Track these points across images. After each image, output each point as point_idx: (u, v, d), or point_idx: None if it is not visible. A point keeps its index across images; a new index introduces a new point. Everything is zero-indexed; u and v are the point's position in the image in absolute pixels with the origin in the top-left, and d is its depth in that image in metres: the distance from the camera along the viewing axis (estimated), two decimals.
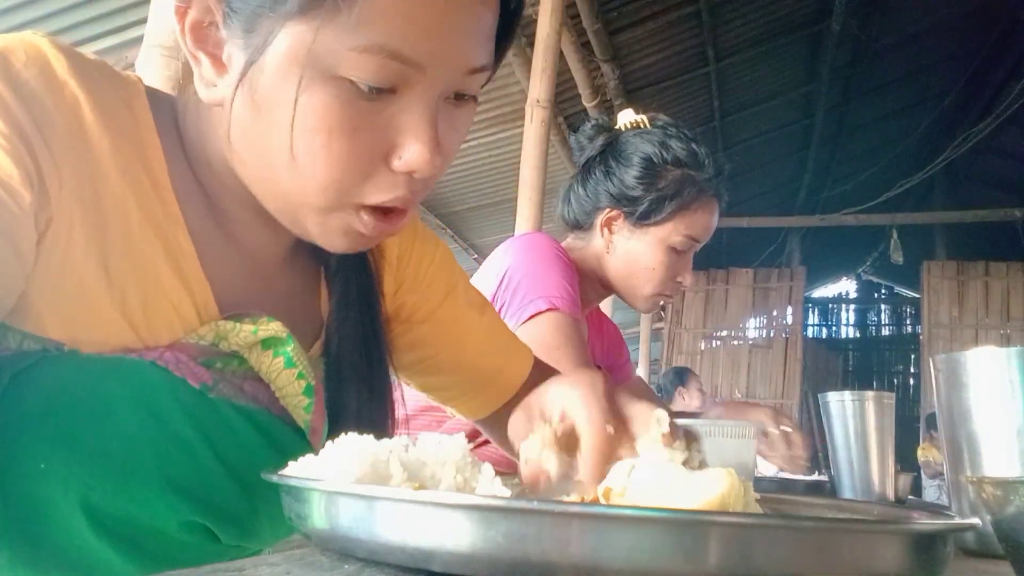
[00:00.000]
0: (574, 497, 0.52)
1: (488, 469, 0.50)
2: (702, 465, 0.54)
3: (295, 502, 0.45)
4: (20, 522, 0.51)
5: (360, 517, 0.40)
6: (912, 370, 13.30)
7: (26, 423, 0.51)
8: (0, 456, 0.50)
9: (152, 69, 1.50)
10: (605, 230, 1.38)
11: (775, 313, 8.69)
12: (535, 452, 0.54)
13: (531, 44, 3.36)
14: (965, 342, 7.67)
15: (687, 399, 5.08)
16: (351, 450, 0.46)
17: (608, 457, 0.52)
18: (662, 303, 1.45)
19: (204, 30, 0.54)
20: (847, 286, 15.38)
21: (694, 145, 1.34)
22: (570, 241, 1.45)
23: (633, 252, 1.36)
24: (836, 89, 7.39)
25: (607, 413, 0.54)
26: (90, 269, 0.53)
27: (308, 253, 0.71)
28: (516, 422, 0.62)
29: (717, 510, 0.41)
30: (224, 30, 0.53)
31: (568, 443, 0.55)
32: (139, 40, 1.62)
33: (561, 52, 3.62)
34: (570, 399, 0.56)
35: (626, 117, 1.41)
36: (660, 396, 4.22)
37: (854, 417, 1.14)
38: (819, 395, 1.22)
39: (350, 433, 0.49)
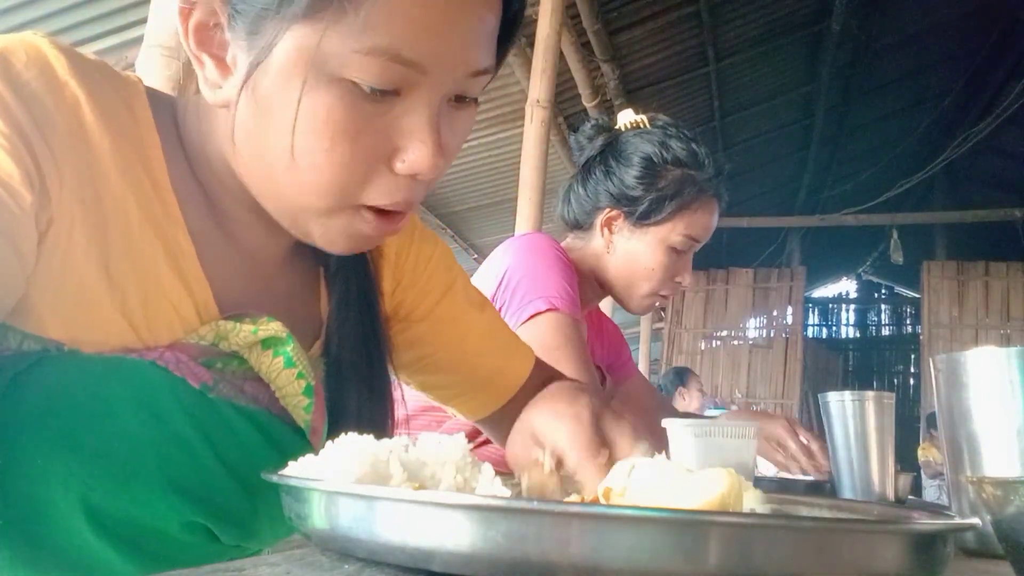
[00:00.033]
0: (574, 497, 0.52)
1: (488, 469, 0.50)
2: None
3: (295, 502, 0.45)
4: (20, 522, 0.51)
5: (360, 517, 0.40)
6: (912, 370, 13.31)
7: (26, 423, 0.51)
8: (0, 456, 0.50)
9: (152, 69, 1.50)
10: (605, 230, 1.38)
11: (775, 313, 8.69)
12: (536, 492, 0.55)
13: (531, 44, 3.36)
14: (965, 342, 7.67)
15: (687, 399, 5.08)
16: (351, 450, 0.46)
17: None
18: (658, 304, 1.45)
19: (208, 32, 0.54)
20: (847, 286, 15.39)
21: (694, 145, 1.34)
22: (569, 241, 1.45)
23: (633, 252, 1.36)
24: (836, 89, 7.39)
25: (595, 445, 0.55)
26: (90, 269, 0.53)
27: (308, 253, 0.71)
28: (513, 445, 0.63)
29: (717, 510, 0.41)
30: (228, 32, 0.53)
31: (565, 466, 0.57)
32: (139, 40, 1.62)
33: (561, 52, 3.62)
34: (558, 434, 0.57)
35: (626, 117, 1.41)
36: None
37: (854, 417, 1.14)
38: (819, 395, 1.22)
39: (350, 433, 0.49)
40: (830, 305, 15.31)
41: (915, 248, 8.11)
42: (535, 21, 3.12)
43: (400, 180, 0.56)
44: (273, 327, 0.60)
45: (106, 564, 0.54)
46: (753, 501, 0.50)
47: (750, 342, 8.74)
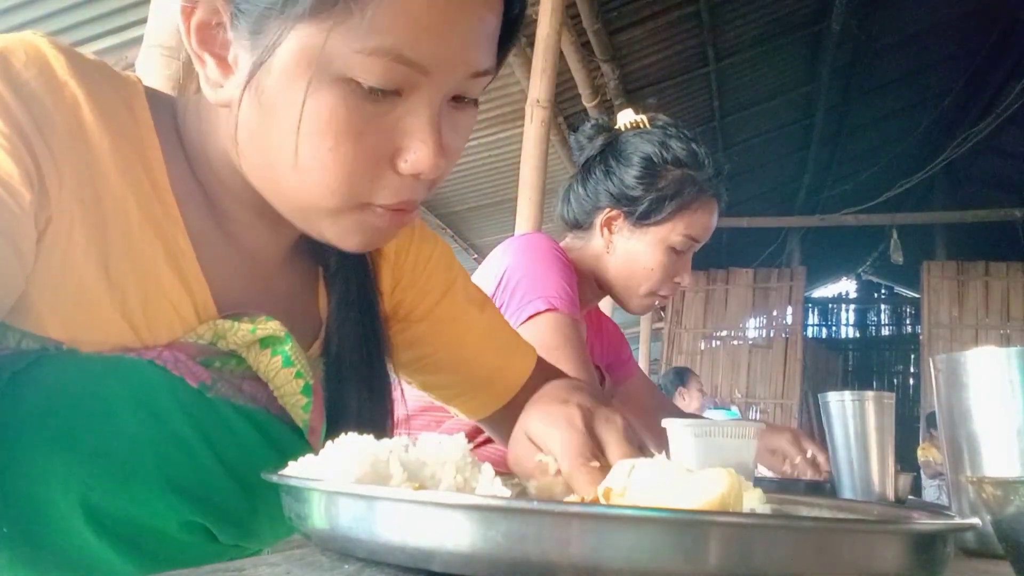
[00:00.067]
0: (574, 497, 0.52)
1: (488, 469, 0.50)
2: None
3: (295, 502, 0.45)
4: (20, 522, 0.51)
5: (360, 517, 0.40)
6: (912, 370, 13.31)
7: (26, 423, 0.51)
8: (0, 456, 0.50)
9: (152, 69, 1.50)
10: (605, 230, 1.38)
11: (775, 313, 8.69)
12: (545, 496, 0.56)
13: (531, 44, 3.36)
14: (965, 342, 7.67)
15: (687, 399, 5.08)
16: (351, 450, 0.46)
17: (596, 483, 0.53)
18: (658, 303, 1.45)
19: (210, 31, 0.54)
20: (847, 286, 15.39)
21: (694, 145, 1.34)
22: (569, 241, 1.45)
23: (633, 252, 1.36)
24: (836, 89, 7.39)
25: (586, 451, 0.55)
26: (90, 269, 0.53)
27: (307, 253, 0.71)
28: (515, 447, 0.63)
29: (717, 510, 0.41)
30: (231, 31, 0.53)
31: None
32: (139, 40, 1.62)
33: (561, 52, 3.62)
34: (551, 440, 0.58)
35: (626, 117, 1.41)
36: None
37: (854, 417, 1.14)
38: (819, 395, 1.22)
39: (350, 433, 0.49)
40: (830, 305, 15.31)
41: (915, 248, 8.11)
42: (535, 21, 3.12)
43: (404, 179, 0.56)
44: (271, 326, 0.60)
45: (105, 564, 0.54)
46: (753, 501, 0.50)
47: (750, 342, 8.74)
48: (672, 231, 1.33)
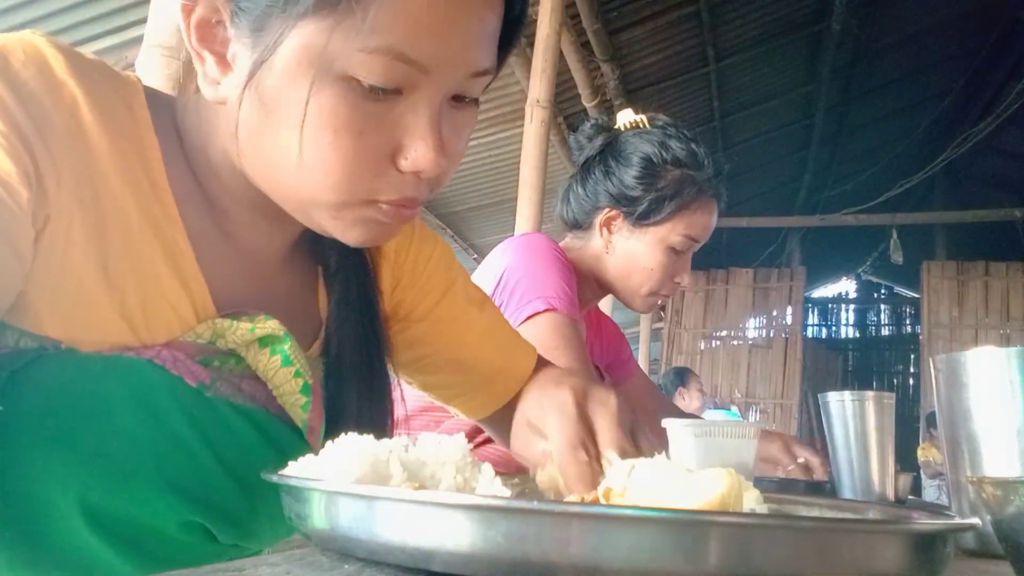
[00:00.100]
0: (574, 497, 0.52)
1: (488, 469, 0.50)
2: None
3: (295, 502, 0.45)
4: (19, 522, 0.51)
5: (360, 517, 0.40)
6: (912, 370, 13.31)
7: (25, 423, 0.51)
8: None
9: (152, 69, 1.50)
10: (604, 230, 1.38)
11: (775, 313, 8.69)
12: (550, 485, 0.56)
13: (531, 44, 3.35)
14: (965, 342, 7.67)
15: (687, 399, 5.08)
16: (351, 450, 0.46)
17: (585, 480, 0.53)
18: (660, 302, 1.45)
19: (210, 28, 0.54)
20: (847, 286, 15.39)
21: (693, 145, 1.34)
22: (568, 241, 1.45)
23: (632, 252, 1.36)
24: (836, 89, 7.39)
25: (577, 439, 0.55)
26: (89, 269, 0.53)
27: (307, 253, 0.71)
28: (516, 439, 0.63)
29: (717, 510, 0.41)
30: (231, 28, 0.53)
31: None
32: (139, 40, 1.62)
33: (561, 52, 3.62)
34: (545, 423, 0.58)
35: (625, 117, 1.41)
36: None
37: (854, 417, 1.14)
38: (819, 395, 1.21)
39: (350, 433, 0.49)
40: (830, 305, 15.31)
41: (915, 248, 8.11)
42: (535, 21, 3.11)
43: (406, 177, 0.56)
44: (270, 325, 0.60)
45: (104, 564, 0.54)
46: (753, 501, 0.50)
47: (750, 342, 8.74)
48: (672, 231, 1.33)
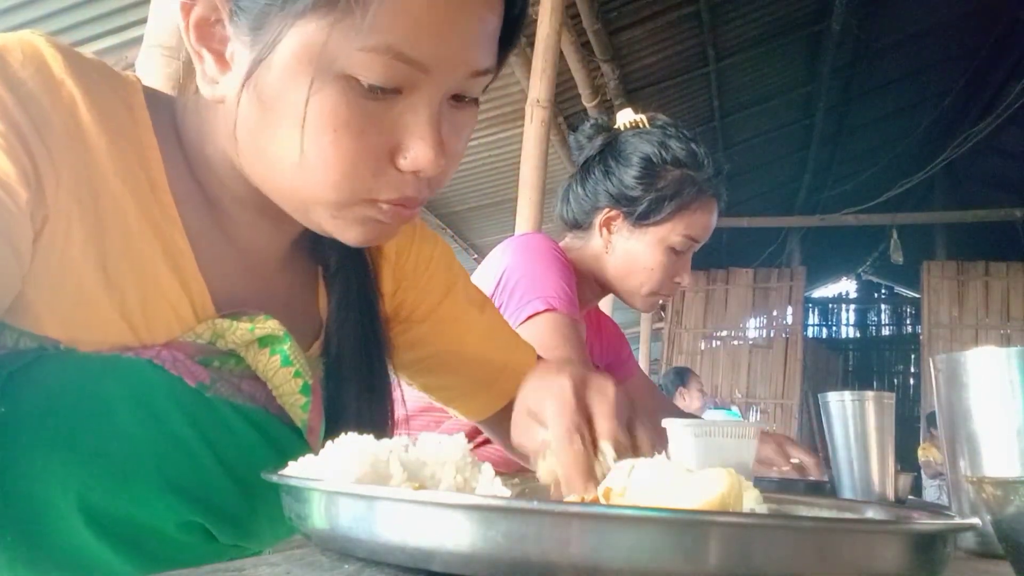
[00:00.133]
0: (574, 497, 0.52)
1: (488, 469, 0.50)
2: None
3: (295, 502, 0.45)
4: (19, 522, 0.51)
5: (360, 517, 0.40)
6: (912, 370, 13.31)
7: (24, 423, 0.51)
8: None
9: (152, 69, 1.50)
10: (604, 230, 1.38)
11: (775, 313, 8.69)
12: (551, 476, 0.56)
13: (531, 44, 3.35)
14: (965, 342, 7.67)
15: (688, 399, 5.08)
16: (351, 450, 0.46)
17: (580, 468, 0.53)
18: (661, 302, 1.45)
19: (209, 27, 0.54)
20: (847, 286, 15.39)
21: (693, 145, 1.33)
22: (568, 241, 1.45)
23: (632, 252, 1.36)
24: (836, 89, 7.39)
25: (572, 427, 0.55)
26: (88, 269, 0.53)
27: (306, 253, 0.71)
28: (516, 430, 0.63)
29: (717, 510, 0.41)
30: (230, 27, 0.53)
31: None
32: (139, 40, 1.62)
33: (561, 52, 3.62)
34: (544, 409, 0.58)
35: (625, 117, 1.41)
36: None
37: (854, 417, 1.14)
38: (819, 395, 1.21)
39: (350, 433, 0.49)
40: (830, 305, 15.31)
41: (915, 248, 8.11)
42: (535, 21, 3.11)
43: (406, 176, 0.56)
44: (270, 325, 0.60)
45: (104, 564, 0.54)
46: (753, 501, 0.50)
47: (750, 342, 8.74)
48: (671, 231, 1.33)
